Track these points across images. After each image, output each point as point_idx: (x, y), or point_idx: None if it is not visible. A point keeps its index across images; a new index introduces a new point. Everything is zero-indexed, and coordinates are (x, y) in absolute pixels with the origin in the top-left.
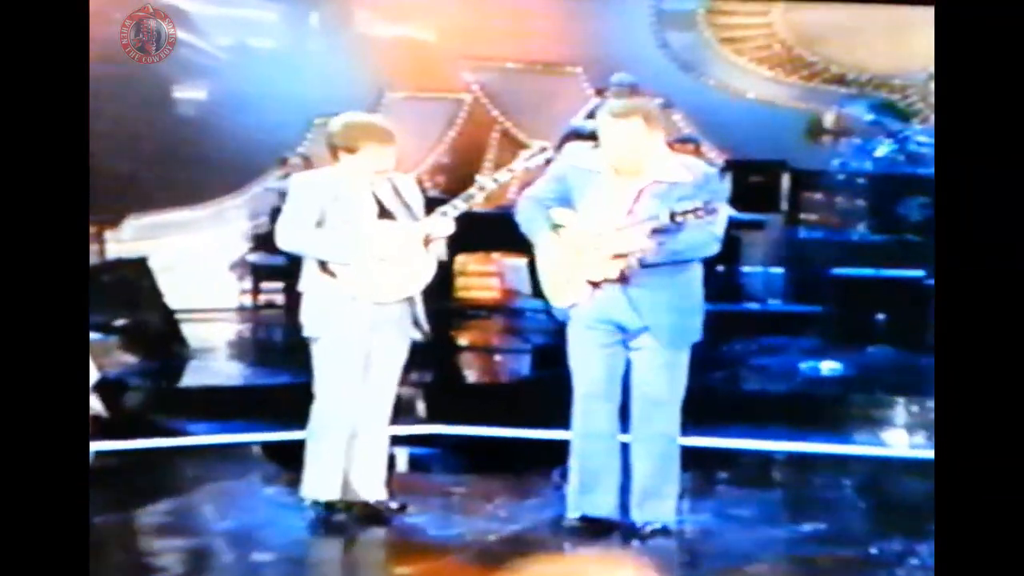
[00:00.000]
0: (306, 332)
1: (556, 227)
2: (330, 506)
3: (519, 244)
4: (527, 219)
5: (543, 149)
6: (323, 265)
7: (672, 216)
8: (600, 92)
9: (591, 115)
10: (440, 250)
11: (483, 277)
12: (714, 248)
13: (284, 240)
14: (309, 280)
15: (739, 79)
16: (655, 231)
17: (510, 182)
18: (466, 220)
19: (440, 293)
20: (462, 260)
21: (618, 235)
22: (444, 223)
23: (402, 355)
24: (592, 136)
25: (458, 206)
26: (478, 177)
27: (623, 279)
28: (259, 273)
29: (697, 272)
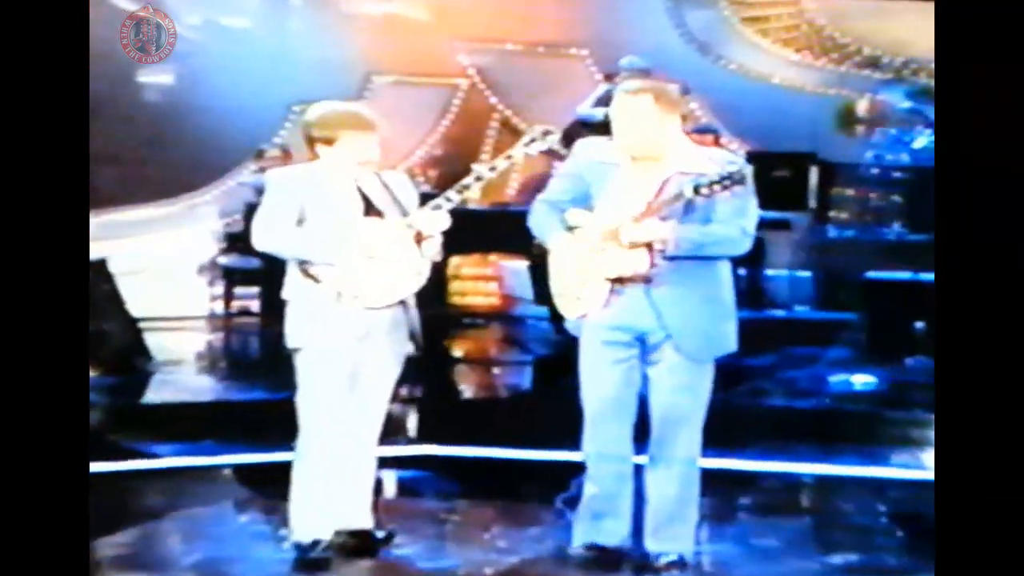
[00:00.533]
0: (289, 343)
1: (571, 229)
2: (313, 541)
3: (519, 245)
4: (540, 224)
5: (546, 133)
6: (305, 268)
7: (697, 189)
8: (609, 77)
9: (600, 102)
10: (434, 249)
11: (480, 281)
12: (745, 245)
13: (260, 239)
14: (292, 286)
15: (763, 62)
16: (680, 218)
17: (510, 173)
18: (461, 218)
19: (432, 299)
20: (456, 263)
21: (638, 224)
22: (437, 217)
23: (394, 369)
24: (602, 127)
25: (452, 198)
26: (474, 166)
27: (644, 278)
28: (232, 277)
29: (726, 273)
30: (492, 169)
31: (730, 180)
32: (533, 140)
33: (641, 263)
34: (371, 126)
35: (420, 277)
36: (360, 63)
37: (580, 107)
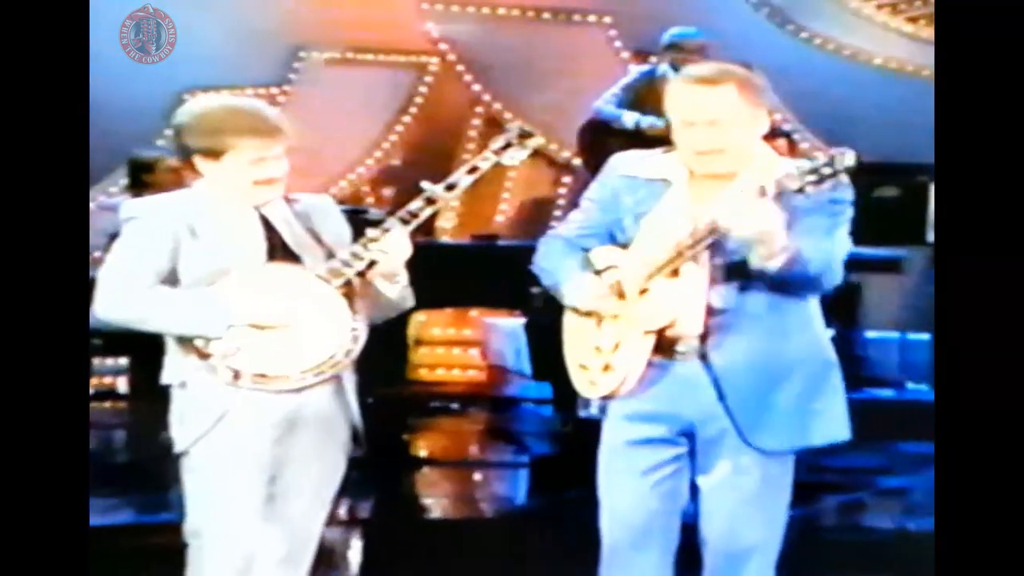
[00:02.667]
0: (176, 445)
1: (597, 273)
2: None
3: (512, 294)
4: (551, 265)
5: (524, 136)
6: (187, 340)
7: (779, 183)
8: (642, 55)
9: (628, 95)
10: (396, 290)
11: (455, 348)
12: (831, 279)
13: (108, 305)
14: (174, 366)
15: (863, 37)
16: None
17: (499, 194)
18: (428, 257)
19: (386, 372)
20: (421, 321)
21: (688, 253)
22: (390, 244)
23: (328, 477)
24: (635, 136)
25: (402, 221)
26: (425, 185)
27: (698, 335)
28: (91, 343)
29: (818, 318)
30: (450, 188)
31: (828, 169)
32: (508, 145)
33: (695, 321)
34: (274, 130)
35: (356, 343)
36: (284, 33)
37: (601, 101)
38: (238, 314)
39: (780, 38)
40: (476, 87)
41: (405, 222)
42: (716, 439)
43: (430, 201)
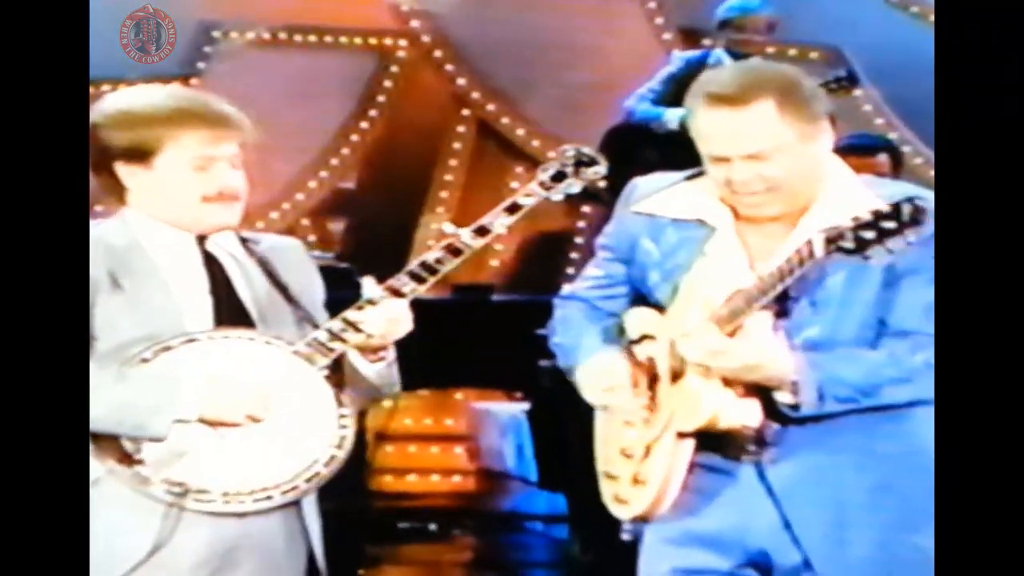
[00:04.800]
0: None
1: (631, 344)
2: None
3: (511, 369)
4: (570, 344)
5: (584, 163)
6: (109, 443)
7: (830, 241)
8: (690, 36)
9: (670, 88)
10: (376, 372)
11: (432, 445)
12: (911, 389)
13: None
14: (93, 474)
15: None
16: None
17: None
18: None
19: (338, 480)
20: (386, 407)
21: (721, 345)
22: (395, 313)
23: None
24: (682, 142)
25: (414, 278)
26: (447, 227)
27: (755, 442)
28: None
29: (927, 423)
30: (480, 233)
31: (891, 223)
32: (560, 176)
33: (749, 414)
34: (223, 120)
35: (343, 448)
36: (191, 5)
37: (635, 98)
38: (188, 405)
39: (881, 11)
40: (461, 81)
41: (417, 279)
42: (797, 573)
43: (453, 251)
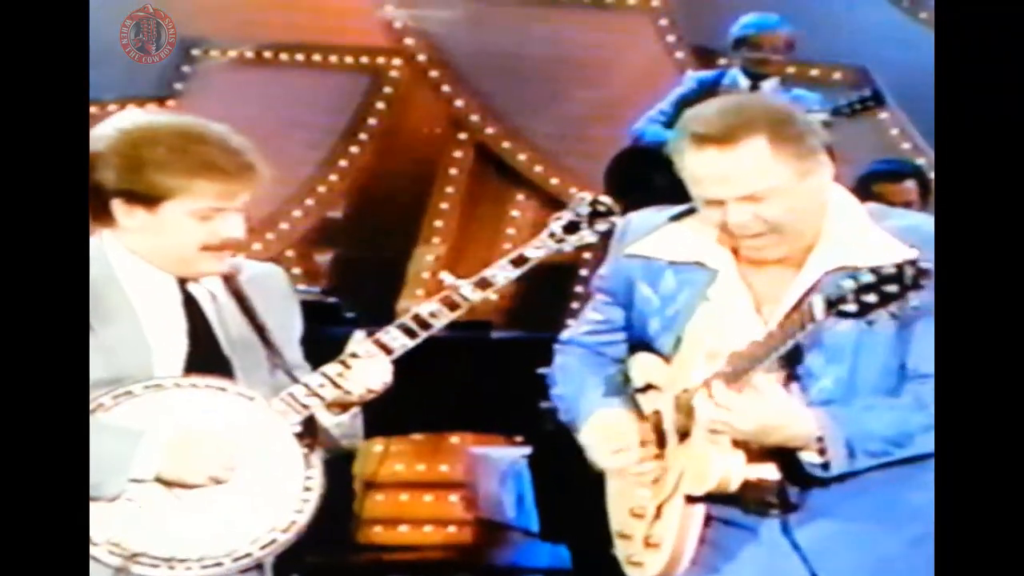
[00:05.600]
0: None
1: (638, 393)
2: None
3: (507, 410)
4: (572, 395)
5: (600, 213)
6: None
7: (831, 304)
8: (705, 56)
9: (681, 110)
10: (340, 425)
11: (424, 493)
12: (925, 441)
13: None
14: None
15: None
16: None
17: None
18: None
19: (324, 532)
20: (377, 452)
21: (728, 397)
22: (378, 370)
23: None
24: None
25: (405, 331)
26: (445, 277)
27: (776, 501)
28: None
29: None
30: (482, 286)
31: (893, 287)
32: (574, 227)
33: (765, 471)
34: (244, 170)
35: (303, 512)
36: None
37: (645, 121)
38: (146, 464)
39: (909, 29)
40: (458, 102)
41: (409, 333)
42: None
43: (451, 305)
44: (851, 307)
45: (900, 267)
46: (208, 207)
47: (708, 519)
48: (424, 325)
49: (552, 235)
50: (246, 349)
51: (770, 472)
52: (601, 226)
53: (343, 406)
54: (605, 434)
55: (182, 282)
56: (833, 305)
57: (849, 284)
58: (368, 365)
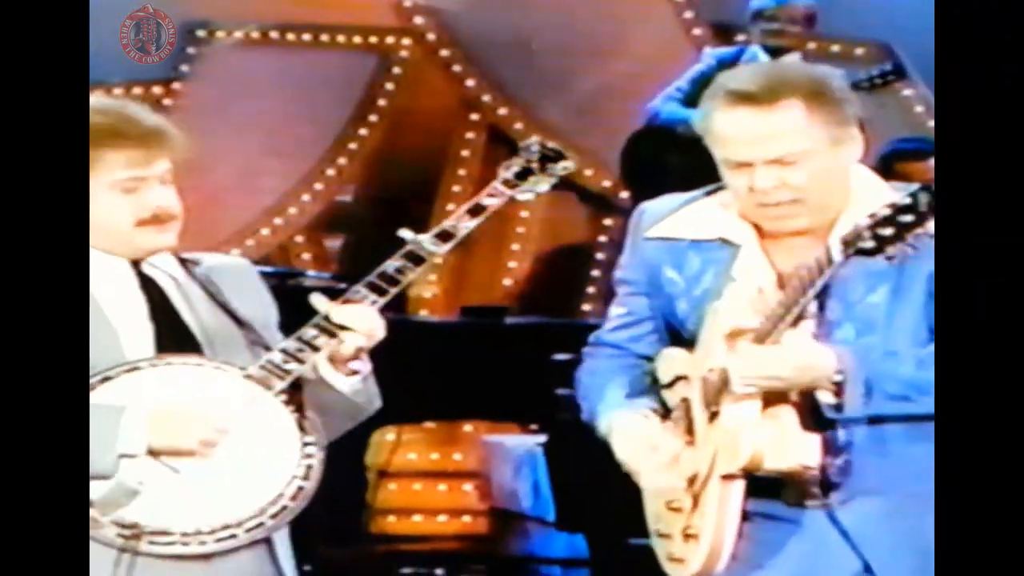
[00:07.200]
0: None
1: (665, 387)
2: None
3: (522, 397)
4: (593, 388)
5: (547, 156)
6: None
7: (847, 244)
8: (724, 32)
9: (702, 88)
10: (350, 385)
11: (438, 483)
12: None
13: None
14: None
15: None
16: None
17: (507, 244)
18: (398, 343)
19: (335, 523)
20: (389, 441)
21: (758, 349)
22: (357, 323)
23: None
24: (705, 146)
25: (372, 288)
26: (404, 233)
27: (816, 482)
28: None
29: None
30: (442, 238)
31: (909, 216)
32: (525, 173)
33: (806, 451)
34: (151, 135)
35: (309, 479)
36: (174, 2)
37: (661, 99)
38: (134, 437)
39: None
40: (469, 82)
41: (377, 291)
42: None
43: (414, 259)
44: (868, 243)
45: (914, 195)
46: (126, 177)
47: (748, 515)
48: (391, 281)
49: (505, 182)
50: (219, 329)
51: (811, 455)
52: (553, 170)
53: (340, 361)
54: (634, 439)
55: (135, 263)
56: (850, 244)
57: (864, 221)
58: (345, 319)
